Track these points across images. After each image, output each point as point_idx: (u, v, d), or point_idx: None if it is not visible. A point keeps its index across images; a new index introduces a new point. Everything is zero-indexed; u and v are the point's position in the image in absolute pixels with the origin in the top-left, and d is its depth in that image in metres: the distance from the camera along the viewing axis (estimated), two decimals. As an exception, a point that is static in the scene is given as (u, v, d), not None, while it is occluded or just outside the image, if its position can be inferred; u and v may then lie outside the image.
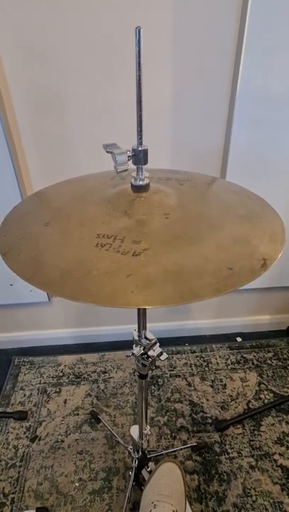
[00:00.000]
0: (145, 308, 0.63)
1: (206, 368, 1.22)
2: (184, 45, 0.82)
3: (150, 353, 0.65)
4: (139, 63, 0.43)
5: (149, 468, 0.86)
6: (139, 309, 0.62)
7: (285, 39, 0.81)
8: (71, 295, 0.36)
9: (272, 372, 1.20)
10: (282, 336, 1.35)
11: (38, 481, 0.91)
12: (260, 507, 0.86)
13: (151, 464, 0.87)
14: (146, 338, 0.65)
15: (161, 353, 0.65)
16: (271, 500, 0.87)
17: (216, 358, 1.26)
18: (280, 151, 0.96)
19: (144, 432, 0.81)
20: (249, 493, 0.89)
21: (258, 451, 0.97)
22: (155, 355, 0.65)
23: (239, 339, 1.35)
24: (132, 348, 0.65)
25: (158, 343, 0.66)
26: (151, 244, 0.42)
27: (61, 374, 1.21)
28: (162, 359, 0.65)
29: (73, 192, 0.61)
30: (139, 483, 0.86)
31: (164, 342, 1.31)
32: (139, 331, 0.65)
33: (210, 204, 0.56)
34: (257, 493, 0.88)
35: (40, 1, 0.76)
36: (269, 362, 1.24)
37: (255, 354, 1.27)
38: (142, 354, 0.64)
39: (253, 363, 1.24)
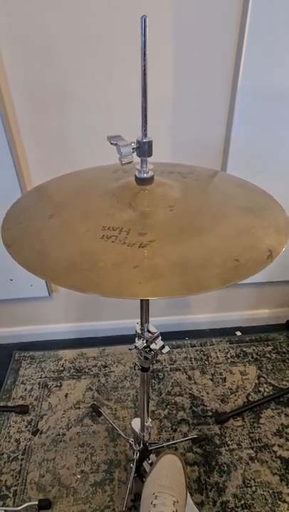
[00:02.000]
0: (148, 301, 0.63)
1: (206, 362, 1.23)
2: (185, 40, 0.82)
3: (152, 346, 0.65)
4: (145, 53, 0.43)
5: (150, 461, 0.86)
6: (142, 302, 0.63)
7: (286, 34, 0.80)
8: (77, 286, 0.36)
9: (272, 365, 1.21)
10: (281, 330, 1.36)
11: (40, 473, 0.92)
12: (260, 497, 0.87)
13: (152, 456, 0.87)
14: (148, 331, 0.66)
15: (163, 346, 0.65)
16: (270, 491, 0.88)
17: (215, 352, 1.27)
18: (280, 146, 0.96)
19: (146, 424, 0.82)
20: (249, 483, 0.90)
21: (257, 443, 0.98)
22: (157, 348, 0.65)
23: (238, 333, 1.36)
24: (133, 341, 0.65)
25: (160, 337, 0.66)
26: (157, 236, 0.42)
27: (62, 368, 1.21)
28: (164, 352, 0.65)
29: (74, 185, 0.61)
30: (141, 475, 0.86)
31: (164, 336, 1.28)
32: (141, 324, 0.65)
33: (214, 197, 0.56)
34: (256, 484, 0.90)
35: (40, 1, 0.75)
36: (268, 355, 1.25)
37: (254, 348, 1.28)
38: (145, 347, 0.65)
39: (252, 357, 1.25)
